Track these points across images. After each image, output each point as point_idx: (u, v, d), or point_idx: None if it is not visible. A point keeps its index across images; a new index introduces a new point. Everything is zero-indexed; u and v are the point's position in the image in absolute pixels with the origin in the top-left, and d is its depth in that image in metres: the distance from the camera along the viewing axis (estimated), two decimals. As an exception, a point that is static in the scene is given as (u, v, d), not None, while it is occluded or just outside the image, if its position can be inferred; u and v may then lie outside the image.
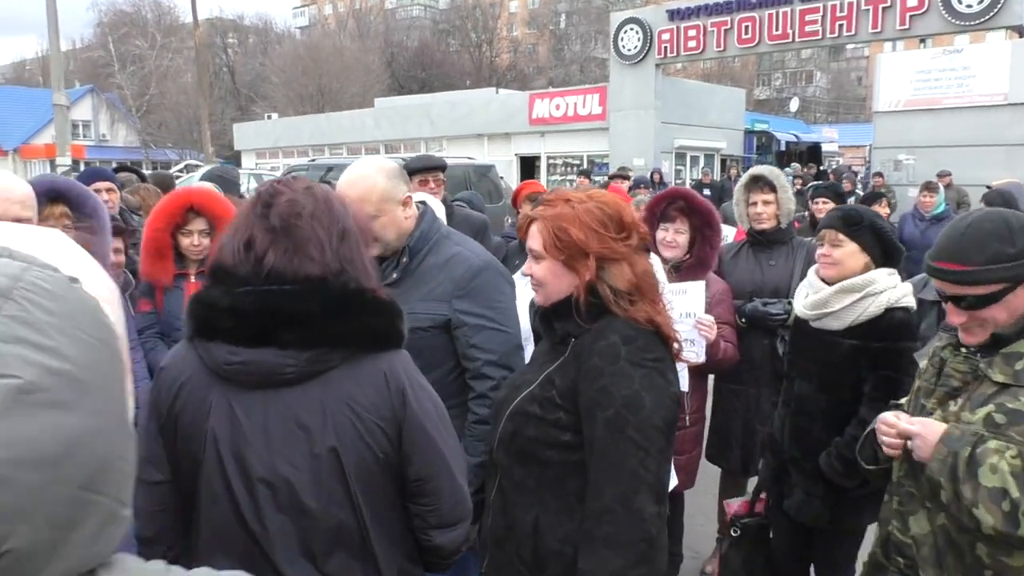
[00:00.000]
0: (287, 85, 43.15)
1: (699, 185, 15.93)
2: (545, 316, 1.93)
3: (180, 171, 23.09)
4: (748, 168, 8.59)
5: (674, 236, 3.46)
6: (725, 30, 19.43)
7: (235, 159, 33.66)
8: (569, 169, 24.07)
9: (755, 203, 3.83)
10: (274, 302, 1.49)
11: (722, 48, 19.88)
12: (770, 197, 3.81)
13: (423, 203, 2.68)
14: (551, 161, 24.95)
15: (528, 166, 25.39)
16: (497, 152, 24.97)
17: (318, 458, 1.51)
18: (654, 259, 2.06)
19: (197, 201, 3.41)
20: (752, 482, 3.47)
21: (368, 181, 2.38)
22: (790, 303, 3.30)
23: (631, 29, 21.05)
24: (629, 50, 21.12)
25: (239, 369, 1.51)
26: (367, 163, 2.49)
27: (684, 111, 22.52)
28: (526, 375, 1.96)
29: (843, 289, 2.73)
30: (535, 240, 1.87)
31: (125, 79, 44.84)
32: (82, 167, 6.32)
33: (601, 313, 1.80)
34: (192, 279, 3.45)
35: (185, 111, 39.57)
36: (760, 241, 3.86)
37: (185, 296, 3.40)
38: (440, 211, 3.98)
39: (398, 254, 2.48)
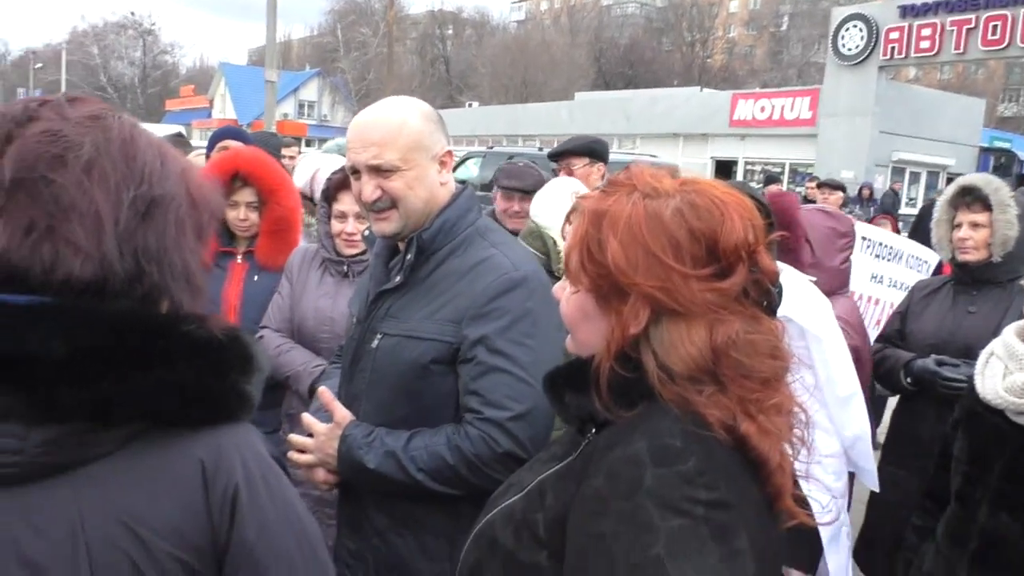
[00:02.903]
0: (494, 76, 44.21)
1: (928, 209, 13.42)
2: (552, 381, 1.17)
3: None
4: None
5: None
6: (968, 29, 16.98)
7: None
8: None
9: (960, 224, 2.83)
10: None
11: (961, 51, 17.43)
12: (982, 218, 2.77)
13: (463, 182, 1.98)
14: (749, 167, 23.29)
15: (724, 171, 23.90)
16: (692, 154, 23.78)
17: None
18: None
19: (244, 168, 2.93)
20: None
21: (397, 116, 1.72)
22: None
23: (854, 25, 19.05)
24: (850, 49, 19.11)
25: None
26: (398, 100, 1.81)
27: (908, 121, 20.11)
28: (523, 472, 1.22)
29: None
30: (566, 249, 1.12)
31: (348, 64, 47.84)
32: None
33: (642, 394, 1.01)
34: (239, 259, 3.01)
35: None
36: (963, 279, 2.86)
37: (228, 279, 2.97)
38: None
39: (404, 249, 1.77)
